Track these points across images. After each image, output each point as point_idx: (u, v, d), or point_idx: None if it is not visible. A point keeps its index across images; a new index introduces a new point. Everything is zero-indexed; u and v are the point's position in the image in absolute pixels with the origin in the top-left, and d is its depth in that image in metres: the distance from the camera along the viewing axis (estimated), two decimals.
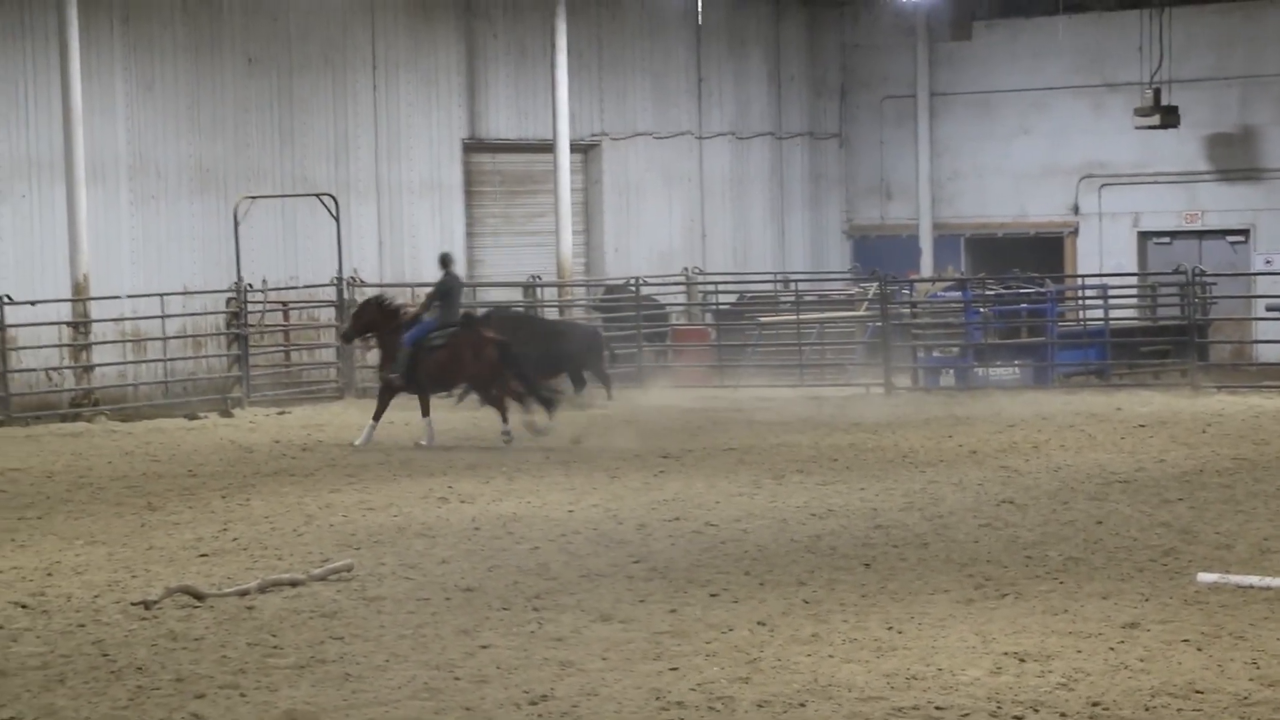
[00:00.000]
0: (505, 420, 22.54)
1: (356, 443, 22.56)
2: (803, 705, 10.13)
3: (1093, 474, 18.87)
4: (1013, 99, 36.77)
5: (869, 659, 11.11)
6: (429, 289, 23.80)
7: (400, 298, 30.24)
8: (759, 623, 12.15)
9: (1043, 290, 31.33)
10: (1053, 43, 36.36)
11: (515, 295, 32.03)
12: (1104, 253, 35.52)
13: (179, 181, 29.12)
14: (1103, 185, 35.90)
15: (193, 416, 26.65)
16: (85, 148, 26.91)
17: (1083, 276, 34.56)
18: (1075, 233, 36.21)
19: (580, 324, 29.83)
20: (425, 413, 22.90)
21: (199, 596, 13.13)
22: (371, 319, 23.38)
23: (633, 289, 31.33)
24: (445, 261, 23.43)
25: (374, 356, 25.16)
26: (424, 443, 22.49)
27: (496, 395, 22.93)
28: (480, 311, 28.59)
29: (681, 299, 33.70)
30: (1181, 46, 34.99)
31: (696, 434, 23.18)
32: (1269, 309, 30.14)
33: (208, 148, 29.42)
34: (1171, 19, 35.06)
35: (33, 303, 26.18)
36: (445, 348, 22.75)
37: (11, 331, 26.17)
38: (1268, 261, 33.74)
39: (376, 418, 22.90)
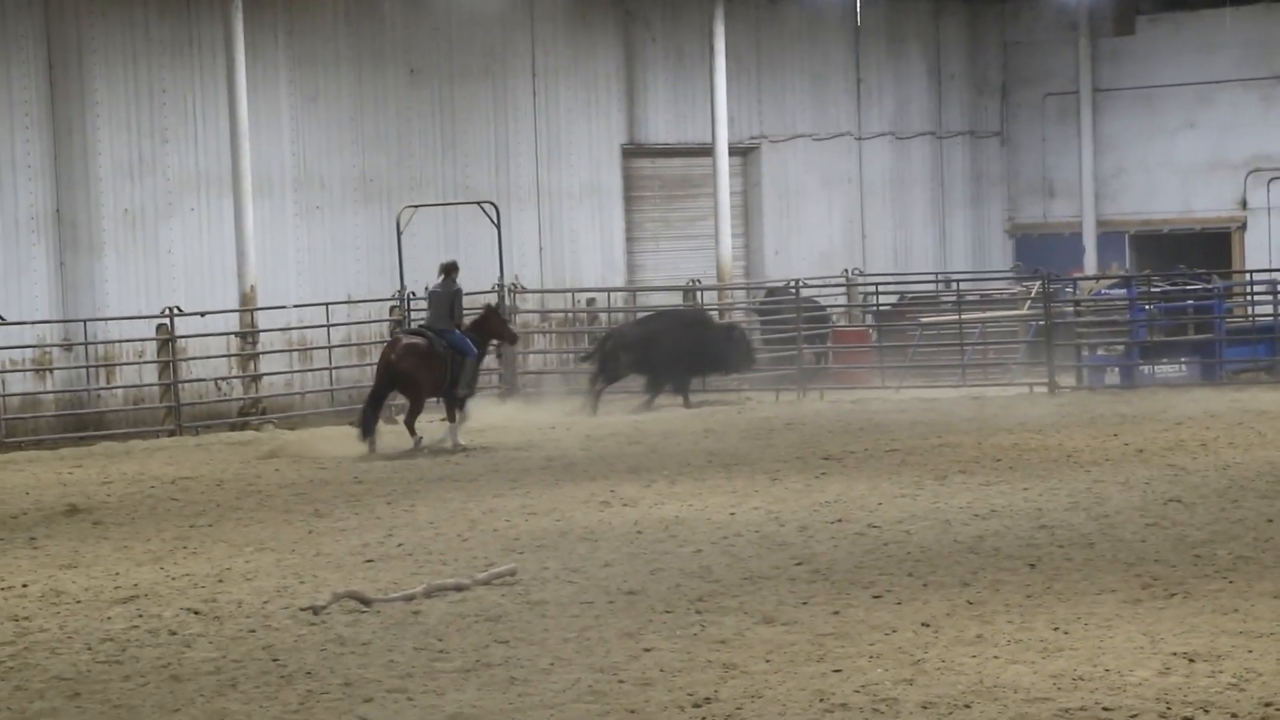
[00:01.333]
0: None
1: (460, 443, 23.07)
2: (968, 707, 10.07)
3: (1263, 472, 18.56)
4: (1177, 93, 36.28)
5: (1035, 660, 11.01)
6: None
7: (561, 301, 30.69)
8: (923, 624, 12.09)
9: (1210, 286, 30.86)
10: (1218, 35, 35.82)
11: (675, 299, 32.07)
12: (1273, 248, 34.91)
13: (343, 192, 29.48)
14: (1271, 179, 35.31)
15: (356, 424, 26.90)
16: (251, 161, 27.34)
17: (1251, 272, 34.00)
18: (1243, 228, 35.65)
19: (732, 326, 29.85)
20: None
21: (366, 602, 13.28)
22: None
23: (793, 291, 31.26)
24: (442, 271, 23.84)
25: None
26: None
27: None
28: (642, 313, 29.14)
29: (842, 300, 33.57)
30: None
31: (858, 435, 23.09)
32: None
33: (370, 158, 29.76)
34: None
35: (202, 314, 26.63)
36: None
37: (182, 342, 26.64)
38: None
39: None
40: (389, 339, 24.87)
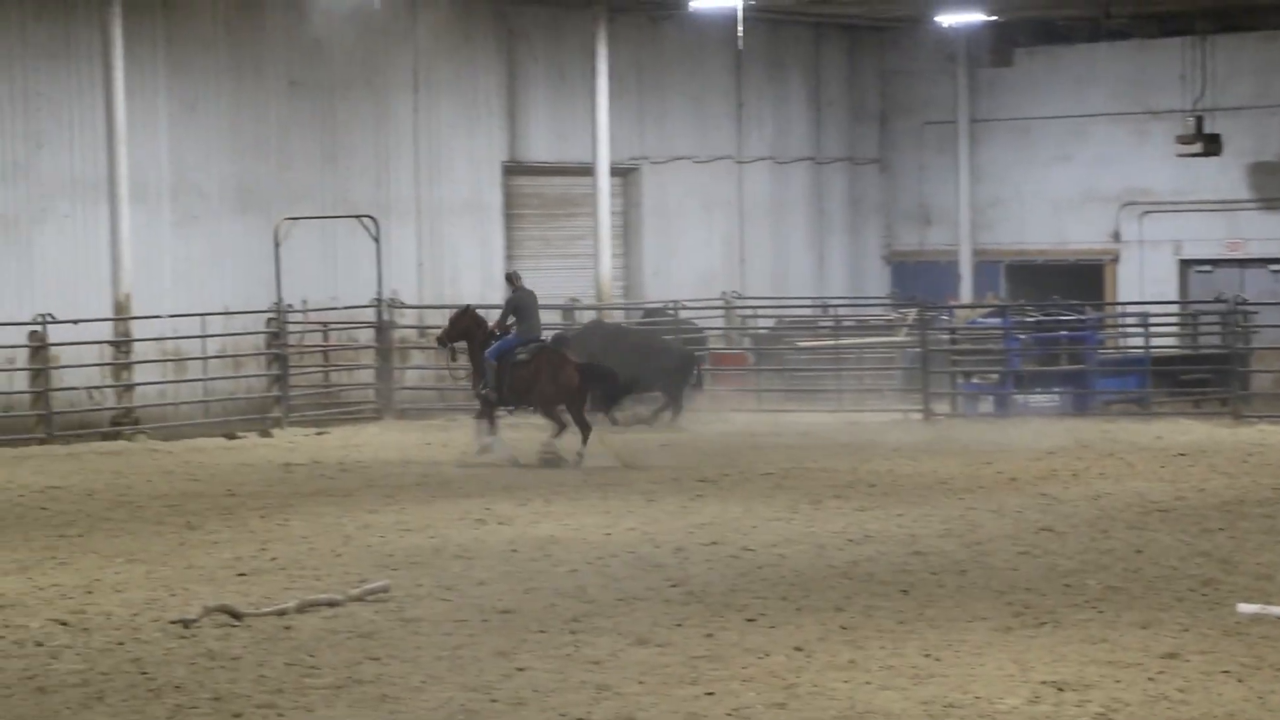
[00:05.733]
0: (584, 441, 22.83)
1: (495, 454, 22.94)
2: None
3: (1132, 502, 18.81)
4: (1054, 125, 36.67)
5: (906, 686, 11.08)
6: (499, 308, 24.13)
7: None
8: (796, 648, 12.14)
9: (1083, 318, 31.24)
10: (1094, 70, 36.28)
11: (553, 318, 32.00)
12: (1145, 280, 35.34)
13: (221, 202, 29.23)
14: (1144, 213, 35.78)
15: (232, 436, 26.74)
16: (128, 167, 27.08)
17: (1123, 304, 34.44)
18: (1116, 260, 36.08)
19: (675, 342, 29.58)
20: (486, 424, 23.36)
21: (237, 616, 13.17)
22: (467, 327, 23.80)
23: (671, 312, 31.30)
24: (513, 278, 23.96)
25: (453, 367, 25.31)
26: (498, 454, 22.89)
27: (576, 416, 23.12)
28: (573, 328, 28.78)
29: (720, 323, 33.68)
30: (1224, 74, 34.89)
31: (734, 458, 23.17)
32: None
33: (249, 168, 29.53)
34: (1214, 47, 34.98)
35: (75, 321, 26.30)
36: (529, 364, 23.13)
37: (53, 350, 26.29)
38: None
39: (491, 431, 23.39)
40: (546, 354, 23.46)
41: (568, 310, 31.62)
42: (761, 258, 36.58)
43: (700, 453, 23.83)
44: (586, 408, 23.34)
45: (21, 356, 26.35)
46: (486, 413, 23.48)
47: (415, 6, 31.51)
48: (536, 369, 23.11)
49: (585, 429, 23.06)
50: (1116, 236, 36.10)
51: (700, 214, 35.70)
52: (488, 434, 23.47)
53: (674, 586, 14.38)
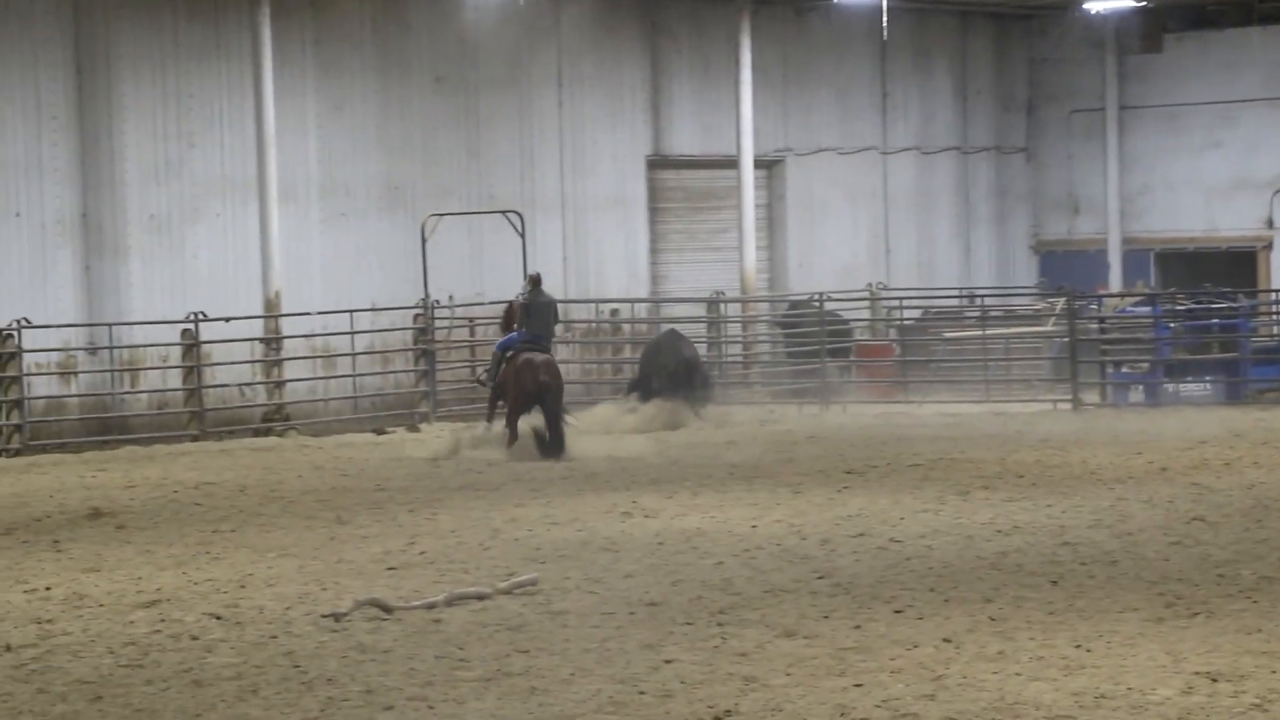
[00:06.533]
0: (543, 443, 22.70)
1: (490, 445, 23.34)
2: None
3: None
4: (1204, 111, 36.20)
5: (1057, 677, 10.98)
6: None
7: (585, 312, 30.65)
8: (944, 639, 12.06)
9: (1235, 305, 30.79)
10: (1245, 54, 35.75)
11: (699, 310, 32.06)
12: None
13: (368, 200, 29.53)
14: None
15: (381, 431, 27.00)
16: (277, 167, 27.43)
17: (1276, 291, 33.91)
18: (1269, 247, 35.55)
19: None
20: (489, 418, 23.93)
21: (387, 609, 13.28)
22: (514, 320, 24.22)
23: (817, 304, 31.23)
24: (533, 281, 24.03)
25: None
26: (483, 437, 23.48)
27: (548, 418, 22.93)
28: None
29: (866, 314, 33.54)
30: None
31: (881, 449, 23.06)
32: None
33: (396, 166, 29.80)
34: None
35: (226, 319, 26.67)
36: (509, 363, 23.39)
37: (206, 348, 26.69)
38: None
39: (489, 419, 23.94)
40: (511, 359, 23.62)
41: (713, 304, 31.60)
42: (906, 249, 36.39)
43: (847, 444, 23.74)
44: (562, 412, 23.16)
45: (175, 354, 26.77)
46: (491, 403, 23.84)
47: (559, 2, 31.65)
48: (508, 370, 23.24)
49: (553, 431, 22.76)
50: (1269, 223, 35.56)
51: (845, 205, 35.58)
52: (487, 425, 23.88)
53: (821, 578, 14.34)
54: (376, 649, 12.21)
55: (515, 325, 23.93)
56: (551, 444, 22.67)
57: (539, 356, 23.22)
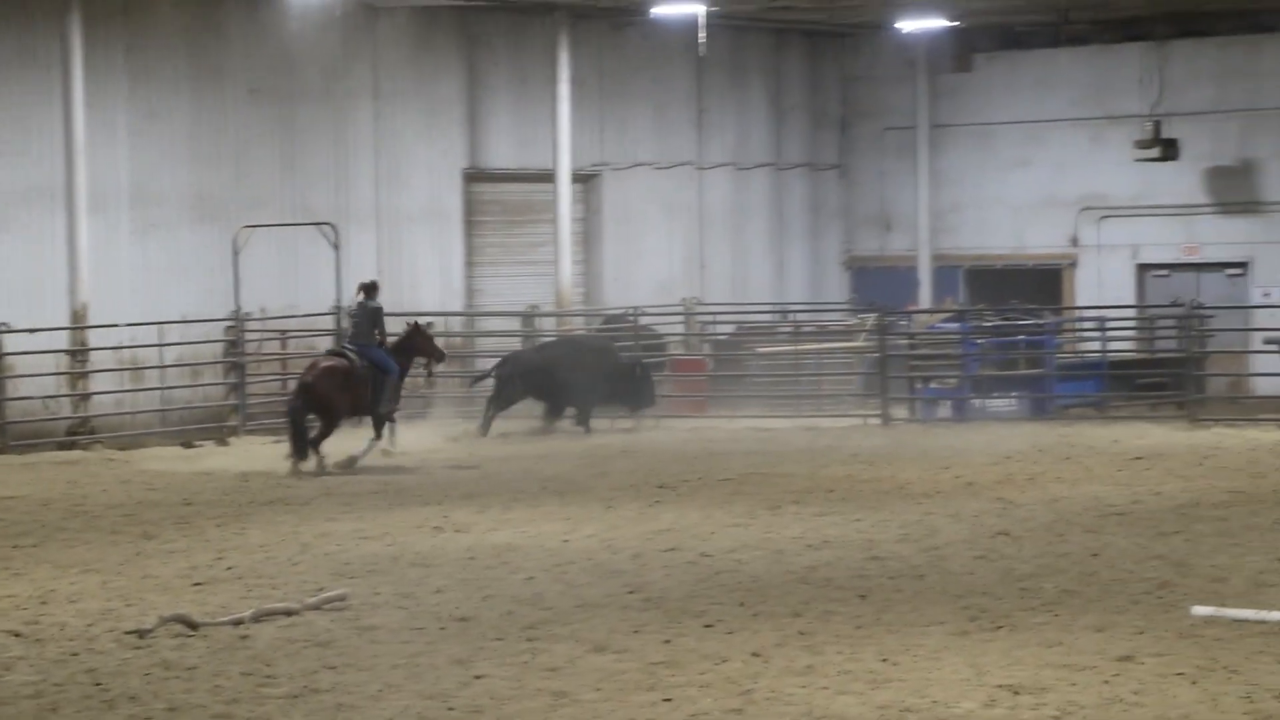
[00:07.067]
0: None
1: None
2: None
3: (1089, 506, 18.87)
4: (1013, 131, 36.79)
5: (863, 691, 11.10)
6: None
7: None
8: (753, 654, 12.15)
9: (1041, 322, 31.34)
10: (1053, 75, 36.41)
11: (513, 324, 32.06)
12: (1102, 285, 35.48)
13: (180, 211, 29.15)
14: (1102, 217, 35.91)
15: (189, 445, 26.67)
16: (87, 176, 27.00)
17: (1081, 309, 34.56)
18: (1074, 265, 36.21)
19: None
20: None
21: (193, 626, 13.13)
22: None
23: (631, 318, 31.30)
24: (362, 289, 24.34)
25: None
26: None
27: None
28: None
29: (680, 329, 33.71)
30: (1181, 79, 35.06)
31: (693, 464, 23.18)
32: (1266, 342, 30.14)
33: (209, 177, 29.45)
34: (1172, 52, 35.15)
35: (31, 330, 26.19)
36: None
37: (9, 359, 26.18)
38: (1265, 294, 33.70)
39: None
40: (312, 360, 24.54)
41: (528, 318, 31.60)
42: (721, 264, 36.61)
43: (660, 459, 23.83)
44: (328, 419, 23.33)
45: None
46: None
47: (375, 14, 31.47)
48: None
49: (315, 434, 23.10)
50: (1075, 241, 36.22)
51: (661, 220, 35.72)
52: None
53: (632, 593, 14.38)
54: (181, 666, 12.06)
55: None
56: (301, 446, 22.85)
57: (324, 361, 23.70)
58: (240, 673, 11.83)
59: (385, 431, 24.03)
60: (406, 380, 24.65)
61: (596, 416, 27.91)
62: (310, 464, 22.87)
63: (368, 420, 23.90)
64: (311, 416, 23.25)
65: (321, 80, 30.87)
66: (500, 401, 27.67)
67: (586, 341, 30.09)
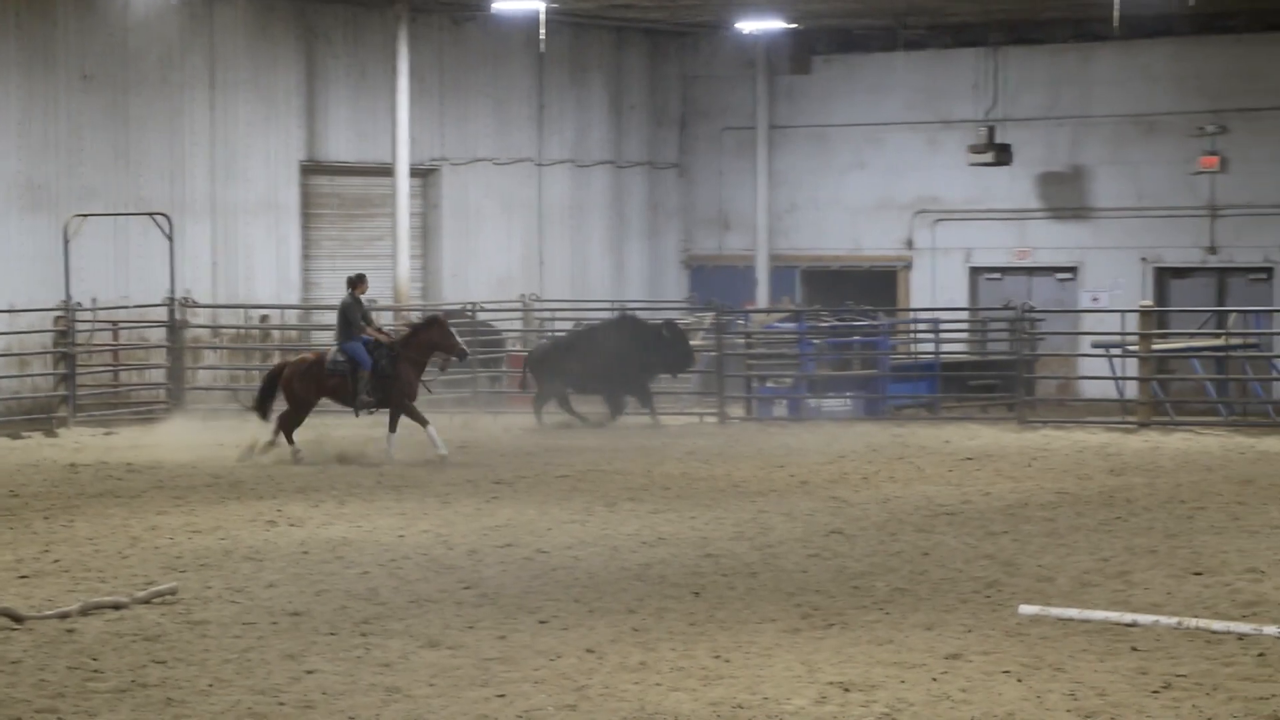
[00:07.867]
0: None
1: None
2: None
3: (920, 506, 19.09)
4: (850, 133, 37.12)
5: (696, 687, 11.15)
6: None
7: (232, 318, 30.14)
8: (587, 650, 12.16)
9: (875, 323, 31.66)
10: (890, 79, 36.78)
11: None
12: (936, 287, 35.92)
13: (7, 199, 28.66)
14: (936, 221, 36.34)
15: (16, 436, 26.24)
16: None
17: (915, 310, 34.95)
18: (909, 267, 36.62)
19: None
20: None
21: (18, 619, 12.92)
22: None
23: (469, 314, 31.23)
24: (348, 282, 23.96)
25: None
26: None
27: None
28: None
29: (518, 326, 33.67)
30: (1015, 86, 35.57)
31: (530, 460, 23.17)
32: (1095, 346, 30.66)
33: (39, 165, 28.99)
34: (1006, 59, 35.64)
35: None
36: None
37: None
38: (1094, 299, 34.31)
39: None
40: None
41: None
42: (560, 260, 36.63)
43: (497, 455, 23.79)
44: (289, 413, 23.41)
45: None
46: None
47: (212, 3, 31.14)
48: None
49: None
50: (909, 243, 36.62)
51: (500, 216, 35.66)
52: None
53: (467, 589, 14.34)
54: (5, 660, 11.86)
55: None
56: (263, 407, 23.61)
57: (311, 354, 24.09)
58: (66, 667, 11.67)
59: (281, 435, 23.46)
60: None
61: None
62: (271, 437, 23.05)
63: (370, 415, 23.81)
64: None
65: (157, 68, 30.49)
66: (542, 397, 27.90)
67: (607, 325, 29.77)
